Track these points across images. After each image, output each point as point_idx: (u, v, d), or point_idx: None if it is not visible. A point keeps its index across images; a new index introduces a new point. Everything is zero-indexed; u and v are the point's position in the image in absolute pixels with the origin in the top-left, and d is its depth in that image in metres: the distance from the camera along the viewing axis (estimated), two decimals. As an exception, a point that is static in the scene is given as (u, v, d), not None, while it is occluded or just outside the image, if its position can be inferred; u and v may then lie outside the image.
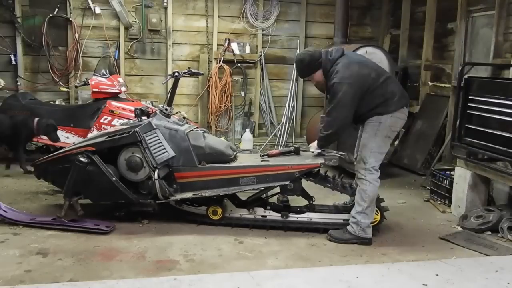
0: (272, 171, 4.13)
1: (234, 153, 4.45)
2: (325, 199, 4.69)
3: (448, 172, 5.19)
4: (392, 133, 4.02)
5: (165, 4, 7.28)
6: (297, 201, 4.41)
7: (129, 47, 7.29)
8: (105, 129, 5.61)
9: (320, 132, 4.07)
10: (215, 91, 7.41)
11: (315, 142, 4.18)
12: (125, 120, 5.15)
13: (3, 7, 6.77)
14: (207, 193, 4.14)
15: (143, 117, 4.37)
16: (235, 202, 4.46)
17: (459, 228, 4.47)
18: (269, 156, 4.38)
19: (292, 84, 7.78)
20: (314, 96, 7.89)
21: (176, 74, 4.72)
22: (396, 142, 7.17)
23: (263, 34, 7.71)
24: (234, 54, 7.51)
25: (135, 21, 7.24)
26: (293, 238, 4.09)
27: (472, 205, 4.69)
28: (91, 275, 3.26)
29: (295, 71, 7.62)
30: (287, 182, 4.10)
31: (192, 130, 4.43)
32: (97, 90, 6.09)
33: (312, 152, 4.23)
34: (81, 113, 6.11)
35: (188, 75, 4.92)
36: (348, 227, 4.01)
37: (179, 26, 7.48)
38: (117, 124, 5.63)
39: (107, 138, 4.21)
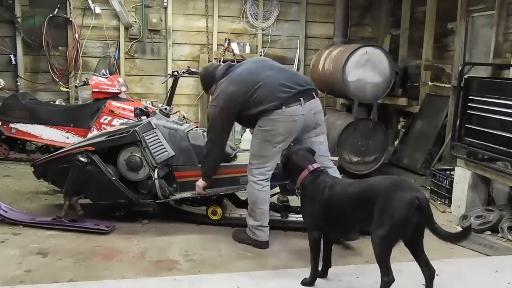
0: None
1: (234, 152, 4.45)
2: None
3: (448, 172, 5.19)
4: (273, 138, 3.70)
5: (165, 4, 7.28)
6: (297, 201, 4.40)
7: (129, 47, 7.29)
8: (105, 129, 5.61)
9: (201, 161, 4.03)
10: (215, 91, 7.40)
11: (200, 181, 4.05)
12: (125, 120, 5.15)
13: (3, 7, 6.78)
14: (207, 192, 4.14)
15: (142, 117, 4.37)
16: (234, 202, 4.46)
17: (459, 228, 4.46)
18: None
19: (292, 84, 7.76)
20: (314, 96, 7.88)
21: (176, 73, 4.72)
22: (396, 142, 7.17)
23: (263, 34, 7.71)
24: (234, 54, 7.50)
25: (135, 21, 7.25)
26: (293, 238, 4.09)
27: (472, 205, 4.69)
28: (91, 275, 3.26)
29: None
30: (287, 182, 4.09)
31: (191, 129, 4.43)
32: (97, 90, 6.10)
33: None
34: (81, 113, 6.12)
35: (188, 75, 4.92)
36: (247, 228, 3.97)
37: (179, 26, 7.48)
38: (117, 124, 5.64)
39: (106, 137, 4.21)
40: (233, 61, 7.45)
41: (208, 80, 3.98)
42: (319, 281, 3.25)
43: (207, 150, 3.92)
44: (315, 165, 3.09)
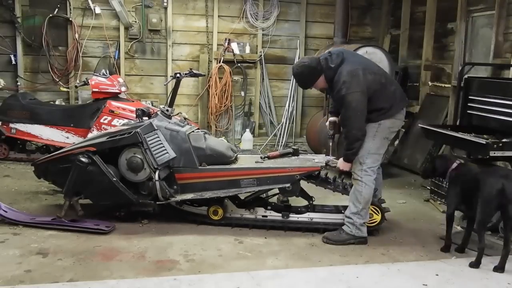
0: (273, 174, 4.13)
1: (235, 154, 4.45)
2: (325, 199, 4.69)
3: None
4: (390, 134, 4.01)
5: (165, 4, 7.28)
6: (297, 201, 4.41)
7: (129, 47, 7.29)
8: (105, 129, 5.62)
9: (346, 149, 3.90)
10: (215, 91, 7.42)
11: (341, 160, 4.02)
12: (126, 121, 5.15)
13: (3, 7, 6.78)
14: (207, 194, 4.14)
15: (144, 118, 4.37)
16: (235, 202, 4.46)
17: (459, 228, 4.46)
18: (269, 158, 4.38)
19: (292, 84, 7.77)
20: (314, 96, 7.89)
21: (178, 75, 4.72)
22: (396, 142, 7.17)
23: (263, 34, 7.71)
24: (234, 54, 7.51)
25: (135, 21, 7.25)
26: (293, 238, 4.09)
27: (472, 205, 4.69)
28: (91, 275, 3.26)
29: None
30: (288, 185, 4.10)
31: (193, 131, 4.43)
32: (97, 90, 6.10)
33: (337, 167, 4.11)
34: (81, 113, 6.12)
35: (190, 76, 4.92)
36: (344, 227, 4.00)
37: (179, 26, 7.48)
38: (117, 124, 5.65)
39: (108, 138, 4.21)
40: (234, 61, 7.49)
41: (314, 74, 3.91)
42: (318, 281, 3.26)
43: (355, 136, 3.81)
44: (458, 161, 3.93)
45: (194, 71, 4.93)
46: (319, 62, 3.89)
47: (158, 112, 4.45)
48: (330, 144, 4.43)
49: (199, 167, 4.21)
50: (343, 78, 3.78)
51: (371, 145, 3.89)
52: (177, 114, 4.70)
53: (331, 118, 4.30)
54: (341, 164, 4.03)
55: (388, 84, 3.96)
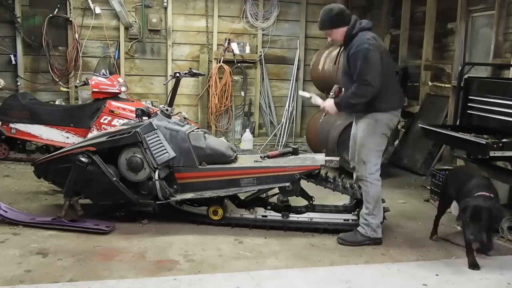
0: (273, 173, 4.13)
1: (235, 154, 4.45)
2: (325, 199, 4.69)
3: (448, 172, 5.18)
4: (388, 131, 3.97)
5: (165, 4, 7.28)
6: (297, 201, 4.41)
7: (129, 47, 7.29)
8: (105, 129, 5.62)
9: (350, 98, 3.78)
10: (215, 91, 7.42)
11: (331, 101, 3.92)
12: (126, 121, 5.15)
13: (3, 7, 6.78)
14: (207, 194, 4.14)
15: (144, 118, 4.37)
16: (235, 202, 4.46)
17: (459, 228, 4.46)
18: (269, 157, 4.38)
19: (292, 84, 7.78)
20: (314, 96, 7.89)
21: (178, 75, 4.72)
22: (396, 142, 7.17)
23: (263, 34, 7.72)
24: (234, 54, 7.51)
25: (135, 21, 7.25)
26: (293, 238, 4.09)
27: (472, 205, 4.68)
28: (91, 275, 3.26)
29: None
30: (287, 184, 4.10)
31: (193, 130, 4.43)
32: (97, 90, 6.10)
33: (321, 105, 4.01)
34: (81, 113, 6.12)
35: (189, 76, 4.92)
36: (359, 229, 3.98)
37: (179, 26, 7.49)
38: (117, 124, 5.64)
39: (108, 138, 4.21)
40: (234, 61, 7.49)
41: (342, 19, 3.83)
42: (318, 281, 3.26)
43: (367, 90, 3.69)
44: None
45: (194, 71, 4.92)
46: (350, 16, 3.86)
47: (158, 112, 4.45)
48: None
49: (199, 167, 4.21)
50: (367, 36, 3.75)
51: (371, 142, 3.89)
52: (177, 113, 4.70)
53: (336, 86, 4.22)
54: (329, 105, 3.93)
55: (392, 77, 3.97)
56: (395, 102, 3.96)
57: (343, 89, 4.10)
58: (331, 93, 4.20)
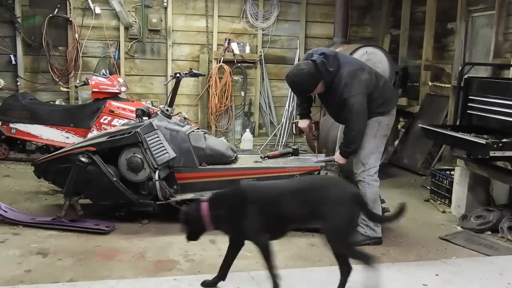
0: (273, 173, 4.13)
1: (235, 154, 4.45)
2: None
3: (448, 172, 5.19)
4: (388, 131, 4.02)
5: (165, 4, 7.28)
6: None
7: (129, 47, 7.29)
8: (105, 129, 5.62)
9: (345, 147, 3.88)
10: (215, 91, 7.41)
11: (337, 154, 4.01)
12: (126, 121, 5.15)
13: (3, 7, 6.77)
14: (207, 194, 4.14)
15: (144, 118, 4.37)
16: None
17: (459, 228, 4.47)
18: (269, 157, 4.38)
19: (292, 84, 7.76)
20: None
21: (178, 75, 4.72)
22: (396, 142, 7.17)
23: (263, 34, 7.71)
24: (234, 54, 7.51)
25: (135, 21, 7.24)
26: (293, 238, 4.08)
27: (472, 205, 4.69)
28: (91, 275, 3.26)
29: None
30: None
31: (193, 131, 4.43)
32: (97, 90, 6.10)
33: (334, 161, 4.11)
34: (81, 113, 6.12)
35: (190, 76, 4.92)
36: (359, 229, 3.97)
37: (179, 26, 7.48)
38: (117, 124, 5.64)
39: (108, 138, 4.21)
40: (234, 61, 7.49)
41: (315, 81, 3.77)
42: (318, 281, 3.26)
43: (354, 137, 3.79)
44: None
45: (194, 71, 4.93)
46: (317, 67, 3.73)
47: (158, 112, 4.45)
48: (316, 145, 4.40)
49: (199, 167, 4.22)
50: (344, 80, 3.72)
51: (372, 144, 3.89)
52: (177, 114, 4.70)
53: (312, 120, 4.20)
54: (337, 157, 4.01)
55: (379, 80, 3.93)
56: (393, 103, 4.00)
57: (318, 119, 4.32)
58: (314, 134, 4.24)
